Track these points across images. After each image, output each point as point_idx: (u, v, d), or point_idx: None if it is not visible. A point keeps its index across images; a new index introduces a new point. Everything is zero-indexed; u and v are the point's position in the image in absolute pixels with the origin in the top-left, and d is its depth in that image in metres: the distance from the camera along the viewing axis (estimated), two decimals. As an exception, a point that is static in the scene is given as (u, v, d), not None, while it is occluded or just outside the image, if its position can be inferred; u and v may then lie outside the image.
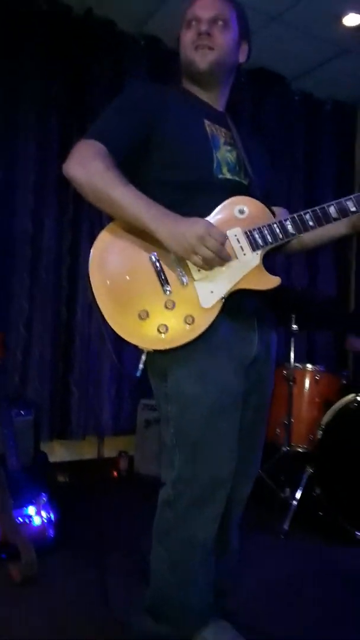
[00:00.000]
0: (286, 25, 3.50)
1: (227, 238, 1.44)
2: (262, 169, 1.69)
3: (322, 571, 2.34)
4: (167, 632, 1.59)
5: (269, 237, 1.47)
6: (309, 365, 3.06)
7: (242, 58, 1.70)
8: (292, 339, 2.96)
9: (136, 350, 1.46)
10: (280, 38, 3.61)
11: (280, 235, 1.48)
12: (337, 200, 1.49)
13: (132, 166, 1.52)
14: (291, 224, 1.48)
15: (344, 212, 1.49)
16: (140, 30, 3.63)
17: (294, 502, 2.76)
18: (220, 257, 1.40)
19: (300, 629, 1.86)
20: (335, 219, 1.49)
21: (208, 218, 1.47)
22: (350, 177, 4.66)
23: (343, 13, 3.39)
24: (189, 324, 1.43)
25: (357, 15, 3.41)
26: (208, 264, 1.40)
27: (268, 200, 1.57)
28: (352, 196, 1.49)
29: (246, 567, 1.77)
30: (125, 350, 1.53)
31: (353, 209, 1.49)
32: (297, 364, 3.01)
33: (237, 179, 1.59)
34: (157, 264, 1.45)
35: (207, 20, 1.60)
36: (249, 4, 1.77)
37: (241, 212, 1.50)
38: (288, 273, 4.18)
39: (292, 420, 2.92)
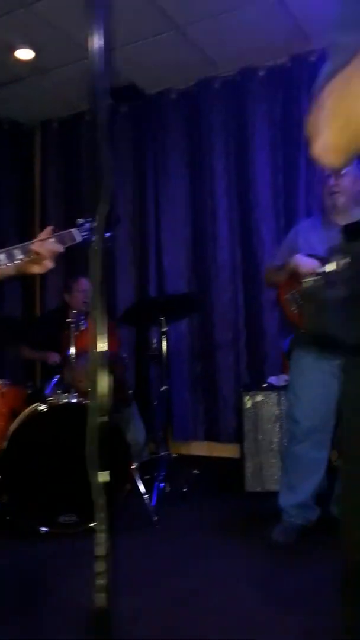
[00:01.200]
0: None
1: None
2: None
3: (8, 566, 2.56)
4: None
5: None
6: (-6, 380, 3.20)
7: None
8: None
9: None
10: None
11: None
12: (6, 248, 1.71)
13: None
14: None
15: (11, 258, 1.71)
16: None
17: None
18: None
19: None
20: (3, 264, 1.71)
21: None
22: (31, 195, 4.95)
23: (16, 46, 3.61)
24: None
25: (27, 50, 3.68)
26: None
27: None
28: (19, 245, 1.73)
29: None
30: None
31: (20, 256, 1.72)
32: (-18, 380, 3.14)
33: None
34: None
35: None
36: None
37: None
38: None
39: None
